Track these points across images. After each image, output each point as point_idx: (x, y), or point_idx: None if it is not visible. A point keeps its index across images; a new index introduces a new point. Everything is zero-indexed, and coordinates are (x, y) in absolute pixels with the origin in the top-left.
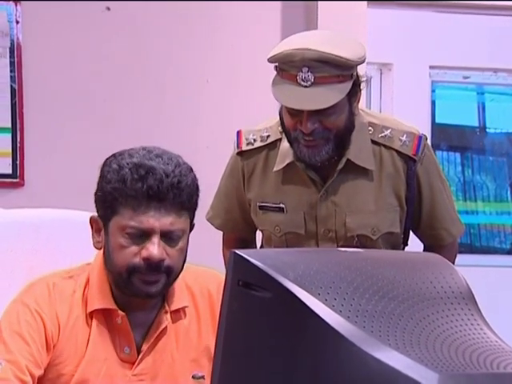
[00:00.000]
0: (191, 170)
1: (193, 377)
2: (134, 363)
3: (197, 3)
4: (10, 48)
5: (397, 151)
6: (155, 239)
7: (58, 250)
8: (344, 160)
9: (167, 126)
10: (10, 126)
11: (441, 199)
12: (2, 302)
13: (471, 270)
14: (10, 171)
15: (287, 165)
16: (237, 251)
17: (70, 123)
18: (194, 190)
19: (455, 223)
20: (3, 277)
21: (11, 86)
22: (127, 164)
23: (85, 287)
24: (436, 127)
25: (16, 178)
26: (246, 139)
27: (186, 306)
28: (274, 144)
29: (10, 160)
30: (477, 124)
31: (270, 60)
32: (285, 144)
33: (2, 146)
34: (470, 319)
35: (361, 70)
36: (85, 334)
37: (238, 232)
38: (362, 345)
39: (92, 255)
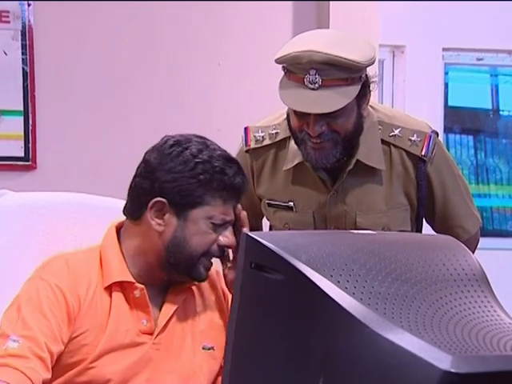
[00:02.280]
0: None
1: (203, 348)
2: (151, 334)
3: None
4: (22, 31)
5: (406, 151)
6: (230, 228)
7: (67, 232)
8: (353, 161)
9: (179, 108)
10: (22, 108)
11: (454, 197)
12: (13, 284)
13: (483, 253)
14: (22, 154)
15: (296, 164)
16: (249, 233)
17: (82, 106)
18: None
19: (471, 219)
20: (14, 259)
21: (23, 68)
22: (218, 156)
23: (99, 263)
24: (449, 110)
25: (28, 161)
26: (254, 137)
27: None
28: (283, 142)
29: (22, 143)
30: (490, 106)
31: (277, 61)
32: (293, 143)
33: (14, 128)
34: (483, 301)
35: (371, 70)
36: (105, 307)
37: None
38: (374, 327)
39: (100, 237)
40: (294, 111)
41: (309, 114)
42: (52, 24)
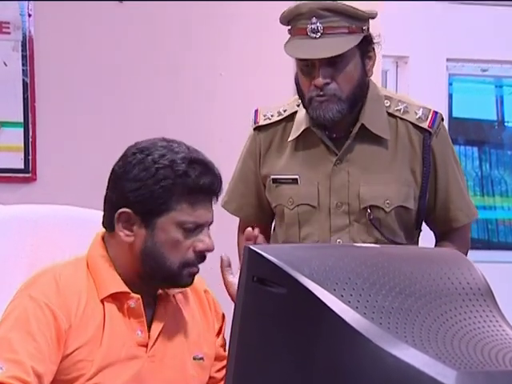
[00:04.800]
0: None
1: (194, 358)
2: (146, 345)
3: None
4: (22, 41)
5: (412, 124)
6: (207, 231)
7: (56, 246)
8: (358, 124)
9: (180, 119)
10: (22, 120)
11: (455, 179)
12: (3, 298)
13: (489, 266)
14: (22, 166)
15: (303, 134)
16: (251, 246)
17: (82, 117)
18: None
19: (470, 205)
20: (2, 273)
21: (23, 79)
22: (180, 160)
23: (87, 275)
24: (453, 121)
25: (28, 172)
26: (264, 115)
27: (181, 291)
28: (291, 116)
29: (22, 155)
30: (495, 118)
31: (281, 19)
32: (300, 114)
33: (14, 140)
34: (488, 315)
35: (377, 55)
36: (97, 319)
37: (253, 219)
38: (378, 341)
39: None
40: (301, 68)
41: (314, 67)
42: (53, 35)
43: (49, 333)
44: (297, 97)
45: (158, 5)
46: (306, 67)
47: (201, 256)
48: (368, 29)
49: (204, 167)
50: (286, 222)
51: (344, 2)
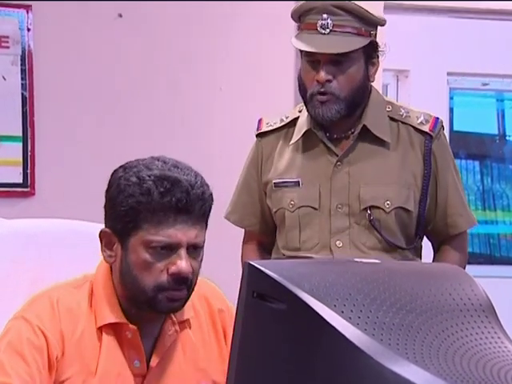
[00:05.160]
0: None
1: None
2: (144, 376)
3: (209, 10)
4: (22, 56)
5: (414, 127)
6: (182, 253)
7: (60, 260)
8: (360, 125)
9: (180, 134)
10: (20, 134)
11: (455, 186)
12: (5, 314)
13: (491, 281)
14: (20, 180)
15: (305, 137)
16: (251, 262)
17: (81, 131)
18: (212, 200)
19: (469, 213)
20: (6, 289)
21: (22, 93)
22: (149, 176)
23: (89, 300)
24: (454, 135)
25: (27, 187)
26: (267, 123)
27: (191, 317)
28: (293, 122)
29: (20, 169)
30: (496, 131)
31: (293, 13)
32: (302, 119)
33: (12, 154)
34: (490, 332)
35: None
36: (94, 349)
37: (257, 230)
38: (379, 358)
39: (95, 266)
40: (306, 61)
41: (319, 63)
42: (52, 49)
43: (41, 358)
44: (299, 105)
45: (157, 18)
46: (311, 62)
47: (176, 279)
48: (375, 35)
49: (173, 184)
50: (287, 226)
51: (356, 3)
